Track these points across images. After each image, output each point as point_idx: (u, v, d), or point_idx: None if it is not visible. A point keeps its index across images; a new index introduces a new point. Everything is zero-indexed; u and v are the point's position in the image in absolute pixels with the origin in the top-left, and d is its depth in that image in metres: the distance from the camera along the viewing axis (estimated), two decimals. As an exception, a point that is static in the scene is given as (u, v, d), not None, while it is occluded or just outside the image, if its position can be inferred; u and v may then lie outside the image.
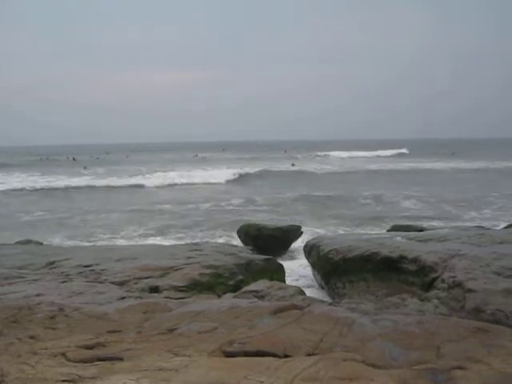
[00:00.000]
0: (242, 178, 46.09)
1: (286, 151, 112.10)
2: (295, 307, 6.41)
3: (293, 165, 63.66)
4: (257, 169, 52.38)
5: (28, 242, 14.38)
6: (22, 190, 38.46)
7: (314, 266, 11.21)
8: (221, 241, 16.90)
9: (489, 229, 12.72)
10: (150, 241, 18.17)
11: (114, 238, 19.20)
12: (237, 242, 16.09)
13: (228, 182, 43.91)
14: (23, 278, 8.35)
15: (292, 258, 14.96)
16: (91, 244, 16.35)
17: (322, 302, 7.91)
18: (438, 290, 8.18)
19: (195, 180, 43.49)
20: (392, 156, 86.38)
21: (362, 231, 18.55)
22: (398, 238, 11.02)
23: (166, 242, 16.57)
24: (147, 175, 46.81)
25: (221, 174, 46.28)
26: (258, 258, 10.74)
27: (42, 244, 14.51)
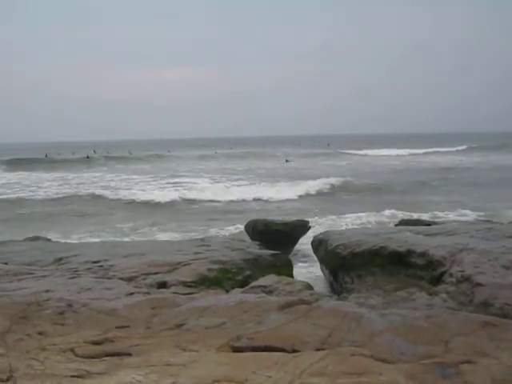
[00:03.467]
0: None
1: (300, 143, 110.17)
2: (303, 302, 6.41)
3: (286, 161, 62.21)
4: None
5: (36, 238, 14.41)
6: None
7: (321, 260, 11.20)
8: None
9: (497, 223, 12.67)
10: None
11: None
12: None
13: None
14: (32, 274, 8.37)
15: (300, 252, 14.93)
16: (99, 240, 16.33)
17: (330, 296, 7.91)
18: (447, 284, 8.16)
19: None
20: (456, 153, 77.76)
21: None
22: (406, 233, 10.98)
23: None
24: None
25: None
26: (266, 253, 10.73)
27: (50, 240, 14.53)
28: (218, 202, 29.13)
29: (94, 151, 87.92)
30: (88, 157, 68.01)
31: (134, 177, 43.75)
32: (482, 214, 20.62)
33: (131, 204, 28.58)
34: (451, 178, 39.27)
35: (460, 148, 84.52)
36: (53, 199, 30.59)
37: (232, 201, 29.34)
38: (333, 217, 21.55)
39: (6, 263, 9.42)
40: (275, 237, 15.04)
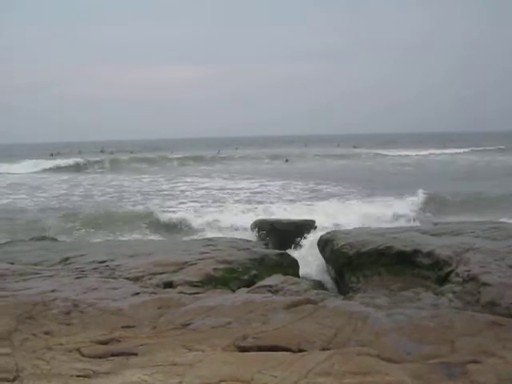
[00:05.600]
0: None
1: (306, 144, 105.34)
2: (309, 302, 6.41)
3: (286, 161, 60.20)
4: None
5: (43, 238, 14.44)
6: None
7: (327, 260, 11.19)
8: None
9: (503, 222, 12.64)
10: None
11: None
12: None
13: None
14: (38, 274, 8.39)
15: (306, 252, 14.88)
16: (105, 240, 16.31)
17: (336, 296, 7.91)
18: (453, 283, 8.15)
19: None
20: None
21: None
22: (412, 232, 10.98)
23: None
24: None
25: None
26: (272, 252, 10.73)
27: (56, 240, 14.56)
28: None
29: (102, 150, 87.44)
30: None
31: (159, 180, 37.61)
32: None
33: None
34: None
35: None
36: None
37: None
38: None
39: (12, 263, 9.45)
40: (281, 236, 15.05)
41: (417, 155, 63.89)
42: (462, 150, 70.73)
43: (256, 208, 21.47)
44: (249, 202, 24.36)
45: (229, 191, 29.42)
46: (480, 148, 74.27)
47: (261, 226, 15.98)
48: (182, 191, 30.01)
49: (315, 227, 16.21)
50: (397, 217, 18.41)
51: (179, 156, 65.78)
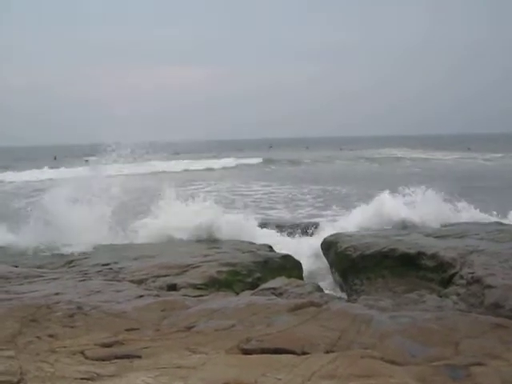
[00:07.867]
0: None
1: (308, 147, 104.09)
2: (313, 304, 6.39)
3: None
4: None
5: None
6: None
7: (331, 263, 11.18)
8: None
9: (507, 225, 12.60)
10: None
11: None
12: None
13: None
14: (42, 276, 8.40)
15: (309, 254, 14.85)
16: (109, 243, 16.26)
17: (339, 299, 7.91)
18: (457, 286, 8.15)
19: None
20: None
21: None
22: (416, 235, 10.97)
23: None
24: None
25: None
26: (276, 255, 10.72)
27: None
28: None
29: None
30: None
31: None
32: None
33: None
34: None
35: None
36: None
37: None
38: None
39: (16, 266, 9.46)
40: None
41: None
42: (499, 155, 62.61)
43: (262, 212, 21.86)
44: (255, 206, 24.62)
45: (233, 195, 29.51)
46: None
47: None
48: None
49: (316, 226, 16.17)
50: None
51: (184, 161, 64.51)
